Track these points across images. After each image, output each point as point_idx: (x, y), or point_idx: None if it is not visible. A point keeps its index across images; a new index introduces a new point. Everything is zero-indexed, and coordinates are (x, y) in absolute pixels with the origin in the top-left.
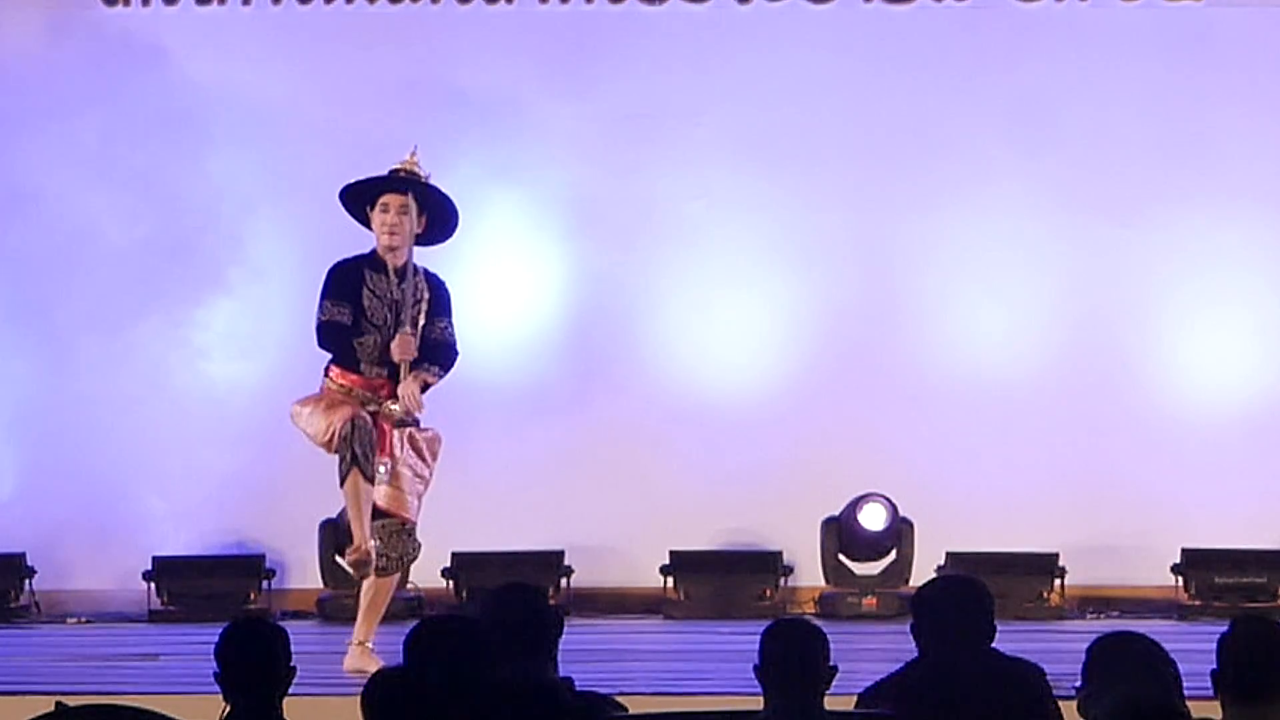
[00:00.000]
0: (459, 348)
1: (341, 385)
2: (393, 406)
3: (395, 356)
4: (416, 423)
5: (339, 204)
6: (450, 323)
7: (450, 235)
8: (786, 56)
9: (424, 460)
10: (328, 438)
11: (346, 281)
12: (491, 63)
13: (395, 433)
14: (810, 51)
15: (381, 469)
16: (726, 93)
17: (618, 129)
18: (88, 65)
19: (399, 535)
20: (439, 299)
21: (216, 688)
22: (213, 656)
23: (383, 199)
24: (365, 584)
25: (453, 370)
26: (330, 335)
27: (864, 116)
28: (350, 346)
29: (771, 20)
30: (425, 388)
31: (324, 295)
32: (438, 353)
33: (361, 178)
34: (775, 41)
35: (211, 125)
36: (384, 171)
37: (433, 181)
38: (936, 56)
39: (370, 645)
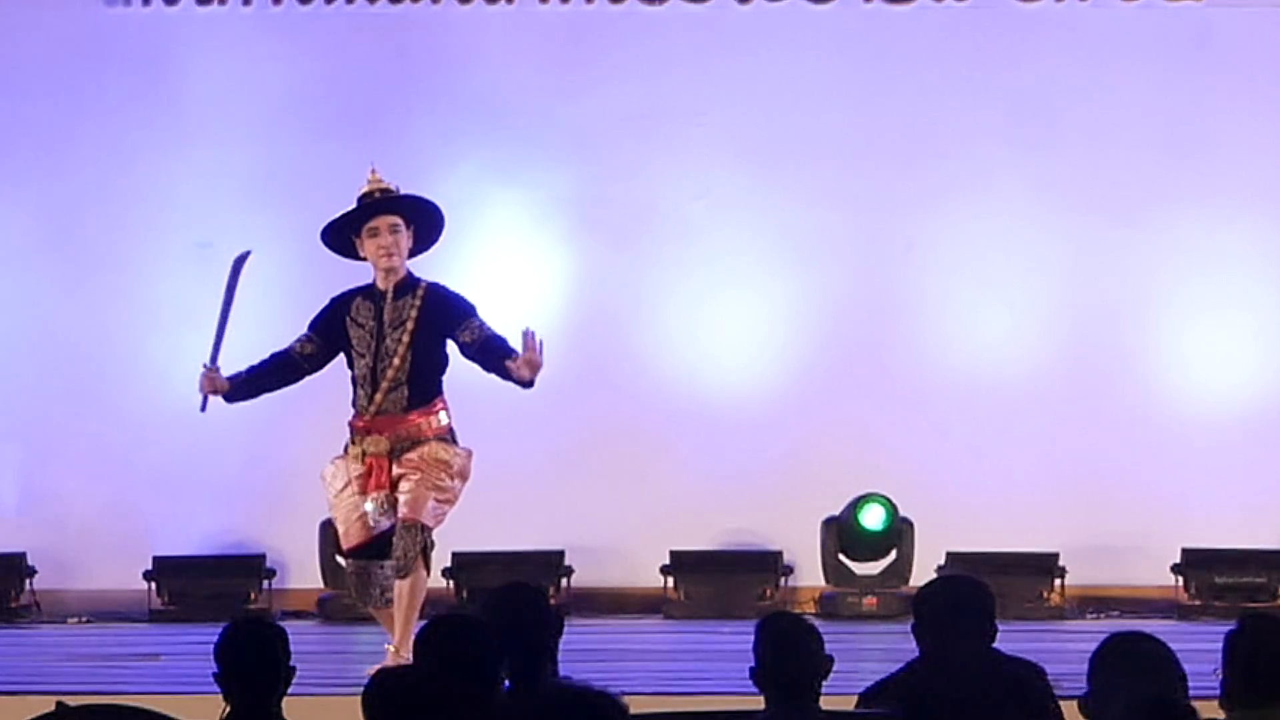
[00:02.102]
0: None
1: (355, 433)
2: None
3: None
4: (430, 445)
5: (328, 240)
6: (480, 321)
7: (436, 239)
8: (786, 56)
9: (434, 473)
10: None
11: (331, 320)
12: (491, 63)
13: (391, 465)
14: (810, 51)
15: (371, 503)
16: (726, 93)
17: (618, 129)
18: (88, 65)
19: (402, 535)
20: (450, 310)
21: (216, 688)
22: (213, 656)
23: (371, 224)
24: (396, 591)
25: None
26: (276, 354)
27: (864, 116)
28: (286, 378)
29: (771, 20)
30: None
31: (309, 325)
32: (491, 351)
33: (339, 214)
34: (775, 41)
35: (211, 125)
36: (358, 196)
37: (405, 190)
38: (936, 56)
39: (397, 649)
